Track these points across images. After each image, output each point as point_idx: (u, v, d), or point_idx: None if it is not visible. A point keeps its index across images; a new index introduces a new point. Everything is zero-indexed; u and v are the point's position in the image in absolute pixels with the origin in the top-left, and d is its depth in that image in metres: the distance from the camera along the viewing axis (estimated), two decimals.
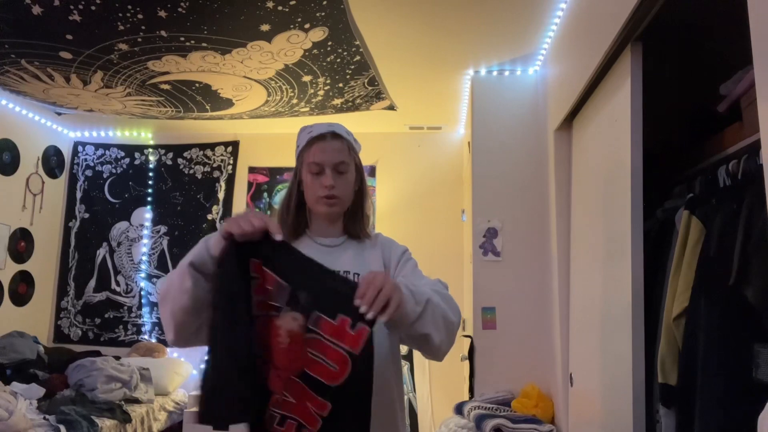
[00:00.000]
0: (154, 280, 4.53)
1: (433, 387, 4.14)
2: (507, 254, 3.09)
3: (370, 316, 0.99)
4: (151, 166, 4.70)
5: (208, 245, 1.12)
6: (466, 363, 3.20)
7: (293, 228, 1.38)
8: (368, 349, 1.01)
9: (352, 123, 4.79)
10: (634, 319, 1.70)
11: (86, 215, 4.70)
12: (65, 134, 4.76)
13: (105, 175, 4.74)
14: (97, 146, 4.79)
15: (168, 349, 4.35)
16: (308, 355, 1.02)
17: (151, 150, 4.72)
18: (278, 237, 1.07)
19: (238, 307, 1.05)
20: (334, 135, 1.40)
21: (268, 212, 4.54)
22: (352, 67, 3.11)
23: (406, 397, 4.06)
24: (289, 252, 1.11)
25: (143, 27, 2.59)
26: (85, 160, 4.78)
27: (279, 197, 1.52)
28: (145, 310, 4.49)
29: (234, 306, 1.05)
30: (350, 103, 3.70)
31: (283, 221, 1.39)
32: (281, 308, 1.04)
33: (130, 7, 2.43)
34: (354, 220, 1.43)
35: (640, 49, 1.80)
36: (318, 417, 1.03)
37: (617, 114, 1.93)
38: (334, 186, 1.33)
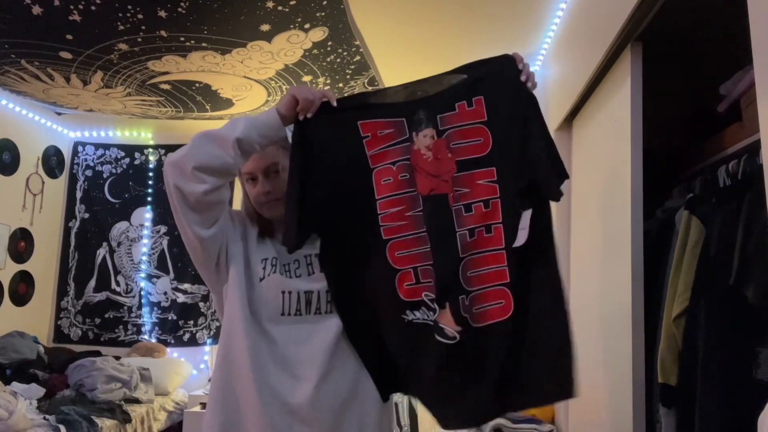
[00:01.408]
0: (154, 280, 4.53)
1: None
2: None
3: (530, 83, 1.22)
4: (151, 166, 4.70)
5: (272, 129, 1.19)
6: None
7: (263, 228, 1.39)
8: (494, 112, 1.17)
9: None
10: (634, 319, 1.70)
11: (86, 215, 4.70)
12: (65, 134, 4.76)
13: (105, 175, 4.74)
14: (97, 146, 4.79)
15: (168, 349, 4.35)
16: (454, 149, 1.15)
17: (151, 150, 4.72)
18: (334, 103, 1.20)
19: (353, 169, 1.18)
20: None
21: None
22: (352, 67, 3.11)
23: (406, 397, 4.07)
24: (366, 98, 1.25)
25: (143, 27, 2.59)
26: (85, 160, 4.78)
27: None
28: (145, 310, 4.49)
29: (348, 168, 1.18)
30: None
31: (258, 227, 1.40)
32: (409, 138, 1.17)
33: (130, 7, 2.43)
34: None
35: (640, 49, 1.80)
36: (493, 185, 1.16)
37: (617, 114, 1.93)
38: (269, 191, 1.34)
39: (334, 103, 1.20)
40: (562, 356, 1.16)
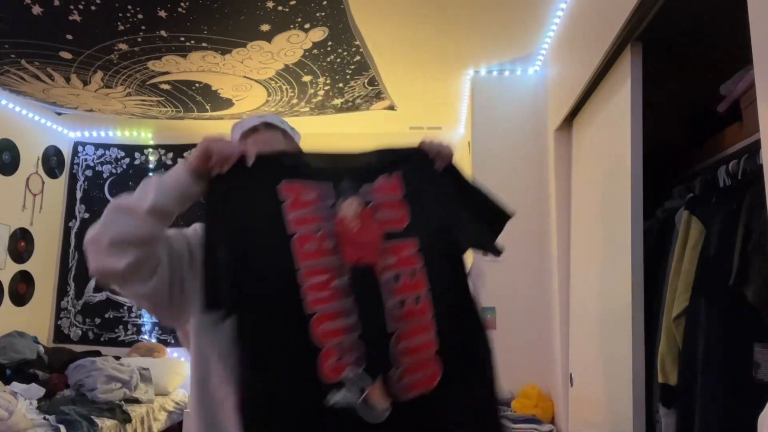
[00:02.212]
0: None
1: None
2: (507, 254, 3.07)
3: (439, 163, 1.24)
4: (151, 166, 4.70)
5: (184, 189, 1.09)
6: None
7: None
8: (413, 186, 1.18)
9: (352, 123, 4.79)
10: (634, 319, 1.70)
11: (86, 215, 4.69)
12: (65, 134, 4.76)
13: (105, 175, 4.74)
14: (97, 146, 4.79)
15: (168, 349, 4.35)
16: (379, 219, 1.13)
17: (151, 150, 4.72)
18: (250, 161, 1.11)
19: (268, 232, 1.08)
20: (267, 125, 1.34)
21: None
22: (352, 67, 3.11)
23: None
24: (299, 157, 1.19)
25: (143, 27, 2.59)
26: (85, 160, 4.78)
27: None
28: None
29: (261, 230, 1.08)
30: (350, 103, 3.70)
31: None
32: (335, 204, 1.11)
33: (130, 7, 2.43)
34: None
35: (640, 49, 1.80)
36: (417, 255, 1.13)
37: (617, 114, 1.93)
38: None
39: (250, 162, 1.10)
40: (489, 415, 1.16)
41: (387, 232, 1.12)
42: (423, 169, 1.24)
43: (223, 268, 1.02)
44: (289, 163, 1.15)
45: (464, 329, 1.17)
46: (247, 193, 1.09)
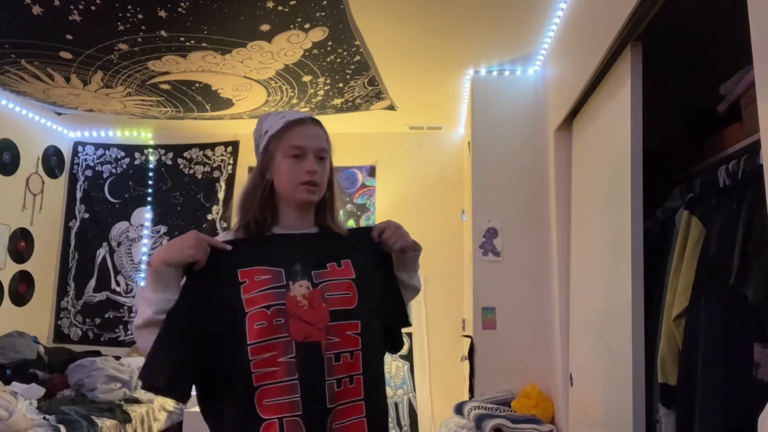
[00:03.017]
0: None
1: (433, 387, 4.14)
2: (507, 254, 3.09)
3: (396, 245, 1.33)
4: (151, 166, 4.70)
5: (159, 294, 1.16)
6: (466, 363, 3.20)
7: (257, 225, 1.30)
8: (359, 272, 1.26)
9: (352, 123, 4.80)
10: (634, 319, 1.70)
11: (86, 215, 4.69)
12: (65, 134, 4.76)
13: (105, 175, 4.74)
14: (97, 146, 4.79)
15: None
16: (328, 299, 1.20)
17: (151, 150, 4.72)
18: (228, 248, 1.22)
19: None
20: (314, 121, 1.36)
21: None
22: (352, 67, 3.11)
23: (406, 397, 4.07)
24: (256, 244, 1.27)
25: (143, 27, 2.59)
26: (85, 160, 4.78)
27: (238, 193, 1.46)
28: None
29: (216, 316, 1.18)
30: (350, 103, 3.70)
31: (244, 218, 1.32)
32: (286, 286, 1.18)
33: (130, 7, 2.43)
34: (326, 211, 1.37)
35: (640, 49, 1.80)
36: (355, 336, 1.20)
37: (617, 114, 1.93)
38: (316, 171, 1.28)
39: (202, 264, 1.19)
40: None
41: (337, 310, 1.20)
42: (370, 252, 1.33)
43: (184, 343, 1.13)
44: (246, 250, 1.24)
45: (383, 410, 1.28)
46: (213, 282, 1.19)
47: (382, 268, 1.35)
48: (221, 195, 4.56)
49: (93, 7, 2.43)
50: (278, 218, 1.32)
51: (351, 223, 4.42)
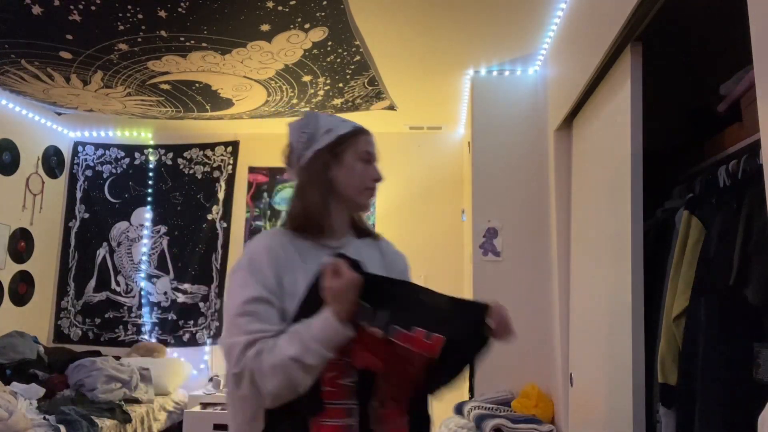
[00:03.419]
0: (154, 280, 4.53)
1: None
2: (507, 254, 3.09)
3: (501, 340, 1.20)
4: (151, 166, 4.70)
5: (331, 341, 1.09)
6: None
7: (314, 224, 1.26)
8: (444, 353, 1.11)
9: None
10: (634, 319, 1.70)
11: (86, 215, 4.70)
12: (65, 134, 4.76)
13: (105, 175, 4.74)
14: (97, 146, 4.79)
15: (168, 349, 4.36)
16: (389, 360, 1.12)
17: (151, 150, 4.72)
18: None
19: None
20: (365, 130, 1.39)
21: (268, 212, 4.54)
22: (352, 67, 3.11)
23: None
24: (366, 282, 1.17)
25: (143, 27, 2.59)
26: (85, 160, 4.78)
27: (288, 196, 1.35)
28: (145, 310, 4.49)
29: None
30: (350, 103, 3.70)
31: (315, 222, 1.26)
32: (361, 324, 1.11)
33: (130, 7, 2.43)
34: (362, 216, 1.40)
35: (640, 49, 1.80)
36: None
37: (617, 114, 1.93)
38: (381, 180, 1.32)
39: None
40: None
41: (391, 376, 1.13)
42: (467, 339, 1.20)
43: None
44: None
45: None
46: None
47: (466, 352, 1.22)
48: (221, 195, 4.56)
49: (93, 7, 2.43)
50: (330, 218, 1.29)
51: None
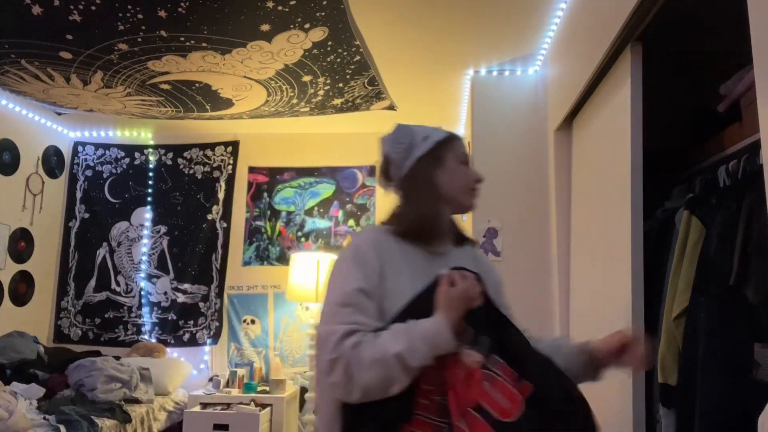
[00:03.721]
0: (154, 280, 4.53)
1: None
2: (507, 254, 3.09)
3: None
4: (151, 166, 4.70)
5: (436, 346, 1.08)
6: None
7: (430, 226, 1.28)
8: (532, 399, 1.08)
9: (352, 123, 4.79)
10: (634, 319, 1.70)
11: (86, 215, 4.69)
12: (65, 134, 4.76)
13: (105, 175, 4.73)
14: (97, 146, 4.79)
15: (168, 349, 4.36)
16: (483, 389, 1.08)
17: (151, 150, 4.72)
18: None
19: None
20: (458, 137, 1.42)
21: (268, 212, 4.54)
22: (352, 67, 3.11)
23: None
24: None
25: (143, 27, 2.59)
26: (85, 160, 4.78)
27: (396, 204, 1.35)
28: (145, 310, 4.49)
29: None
30: (350, 103, 3.70)
31: (431, 227, 1.28)
32: (463, 346, 1.10)
33: (130, 7, 2.43)
34: (460, 222, 1.39)
35: (640, 49, 1.80)
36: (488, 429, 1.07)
37: (617, 114, 1.93)
38: (482, 181, 1.34)
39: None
40: None
41: (484, 408, 1.08)
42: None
43: None
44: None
45: None
46: None
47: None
48: (221, 195, 4.56)
49: (93, 7, 2.43)
50: (442, 223, 1.31)
51: (351, 224, 4.43)
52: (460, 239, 1.37)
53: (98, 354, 4.04)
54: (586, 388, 1.26)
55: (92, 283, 4.58)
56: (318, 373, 1.18)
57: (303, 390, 4.16)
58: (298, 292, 3.93)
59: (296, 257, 4.05)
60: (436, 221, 1.28)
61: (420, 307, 1.13)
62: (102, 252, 4.62)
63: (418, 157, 1.31)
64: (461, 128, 4.29)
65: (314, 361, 1.26)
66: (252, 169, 4.62)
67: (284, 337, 4.37)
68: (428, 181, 1.29)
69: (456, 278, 1.11)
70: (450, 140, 1.34)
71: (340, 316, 1.12)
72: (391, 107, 3.83)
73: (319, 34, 2.70)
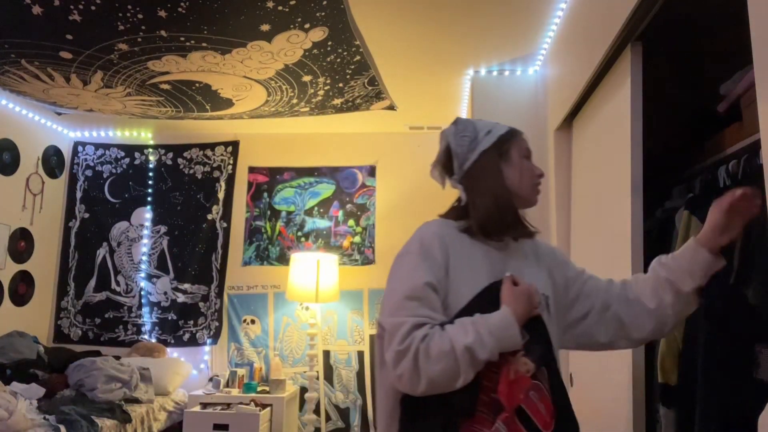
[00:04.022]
0: (154, 280, 4.53)
1: None
2: None
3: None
4: (151, 166, 4.70)
5: (503, 339, 1.09)
6: None
7: (507, 221, 1.28)
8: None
9: (352, 123, 4.79)
10: None
11: (86, 215, 4.69)
12: (65, 134, 4.76)
13: (105, 175, 4.74)
14: (97, 146, 4.79)
15: (168, 349, 4.36)
16: (529, 397, 1.09)
17: (151, 150, 4.72)
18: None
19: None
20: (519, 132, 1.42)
21: (268, 212, 4.54)
22: (352, 67, 3.11)
23: None
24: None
25: (143, 27, 2.59)
26: (85, 160, 4.78)
27: (464, 196, 1.30)
28: (145, 310, 4.49)
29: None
30: (350, 103, 3.70)
31: (507, 220, 1.27)
32: (516, 353, 1.11)
33: (130, 7, 2.43)
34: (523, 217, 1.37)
35: (640, 49, 1.80)
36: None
37: (617, 114, 1.93)
38: (544, 175, 1.34)
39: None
40: None
41: (527, 415, 1.10)
42: None
43: None
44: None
45: None
46: None
47: None
48: (221, 195, 4.56)
49: (93, 7, 2.43)
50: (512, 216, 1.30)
51: (351, 224, 4.43)
52: (524, 234, 1.33)
53: (98, 354, 4.05)
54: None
55: (92, 283, 4.58)
56: (380, 364, 1.18)
57: (303, 390, 4.16)
58: (298, 292, 3.93)
59: (296, 257, 4.05)
60: (509, 216, 1.27)
61: (484, 303, 1.13)
62: (102, 252, 4.62)
63: (482, 151, 1.29)
64: None
65: (376, 353, 1.25)
66: (252, 169, 4.62)
67: (284, 337, 4.37)
68: (496, 175, 1.28)
69: (519, 279, 1.14)
70: (513, 134, 1.34)
71: (408, 309, 1.11)
72: (391, 107, 3.83)
73: (319, 34, 2.70)
